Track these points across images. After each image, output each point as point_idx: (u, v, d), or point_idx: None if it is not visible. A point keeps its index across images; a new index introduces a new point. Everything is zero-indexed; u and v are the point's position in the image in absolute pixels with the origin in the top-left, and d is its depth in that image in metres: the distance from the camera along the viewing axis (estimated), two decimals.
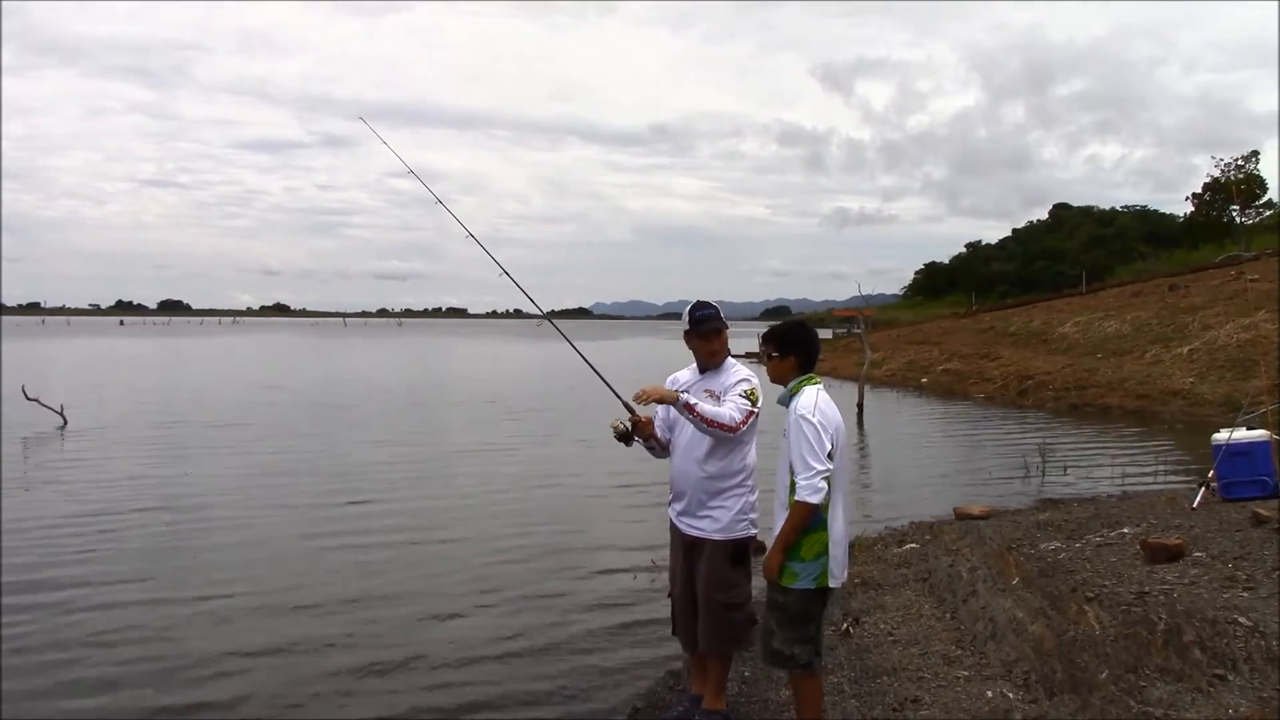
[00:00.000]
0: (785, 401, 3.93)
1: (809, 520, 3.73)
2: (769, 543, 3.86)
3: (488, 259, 5.31)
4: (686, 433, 4.27)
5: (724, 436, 4.13)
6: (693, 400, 4.10)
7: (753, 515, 4.26)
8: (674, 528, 4.41)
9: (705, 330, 4.28)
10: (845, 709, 4.53)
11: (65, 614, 6.46)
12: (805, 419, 3.75)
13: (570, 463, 13.48)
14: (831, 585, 3.83)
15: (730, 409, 4.12)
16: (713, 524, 4.22)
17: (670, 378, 4.47)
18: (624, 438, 4.39)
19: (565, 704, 5.07)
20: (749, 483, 4.26)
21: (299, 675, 5.45)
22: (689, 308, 4.34)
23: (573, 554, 8.36)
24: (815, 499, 3.67)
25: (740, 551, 4.24)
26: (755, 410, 4.17)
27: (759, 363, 4.14)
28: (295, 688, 5.26)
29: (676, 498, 4.37)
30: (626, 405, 4.35)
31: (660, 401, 4.13)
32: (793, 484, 3.75)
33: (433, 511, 10.23)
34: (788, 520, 3.76)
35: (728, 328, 4.34)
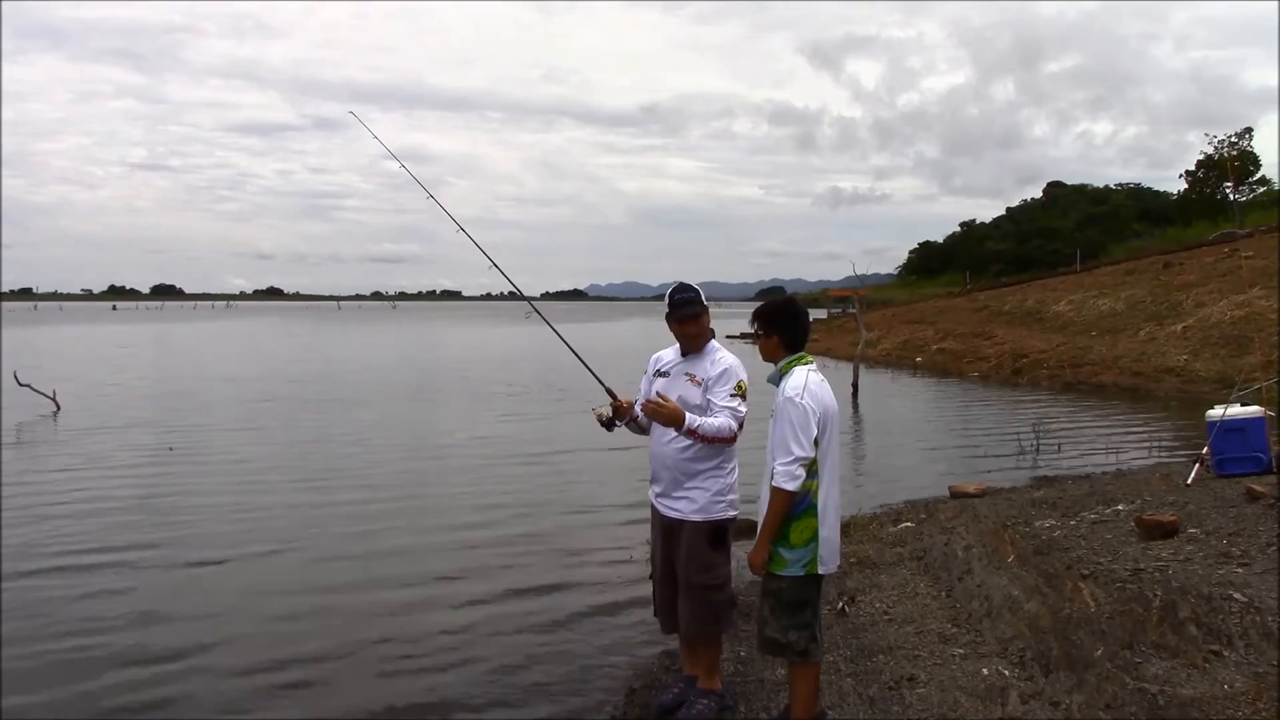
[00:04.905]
0: (775, 381, 3.86)
1: (789, 506, 3.65)
2: (759, 520, 3.80)
3: (484, 243, 5.25)
4: None
5: (728, 448, 4.16)
6: (695, 424, 4.06)
7: (732, 496, 4.23)
8: (654, 509, 4.37)
9: (683, 315, 4.21)
10: (841, 687, 4.53)
11: (54, 596, 6.43)
12: (792, 401, 3.67)
13: (568, 443, 13.44)
14: (821, 572, 3.77)
15: (726, 418, 4.09)
16: (690, 505, 4.18)
17: (654, 357, 4.42)
18: (607, 424, 4.39)
19: (561, 684, 5.06)
20: (728, 464, 4.22)
21: (300, 661, 5.44)
22: (669, 291, 4.29)
23: (568, 534, 8.35)
24: (791, 485, 3.60)
25: (719, 533, 4.20)
26: (744, 404, 4.17)
27: (754, 342, 4.09)
28: (294, 675, 5.25)
29: (655, 479, 4.33)
30: (608, 390, 4.36)
31: (668, 424, 4.09)
32: None
33: (429, 492, 10.22)
34: (768, 509, 3.68)
35: (708, 310, 4.27)
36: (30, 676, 5.12)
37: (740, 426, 4.13)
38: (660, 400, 4.10)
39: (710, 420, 4.08)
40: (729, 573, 4.27)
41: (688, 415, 4.07)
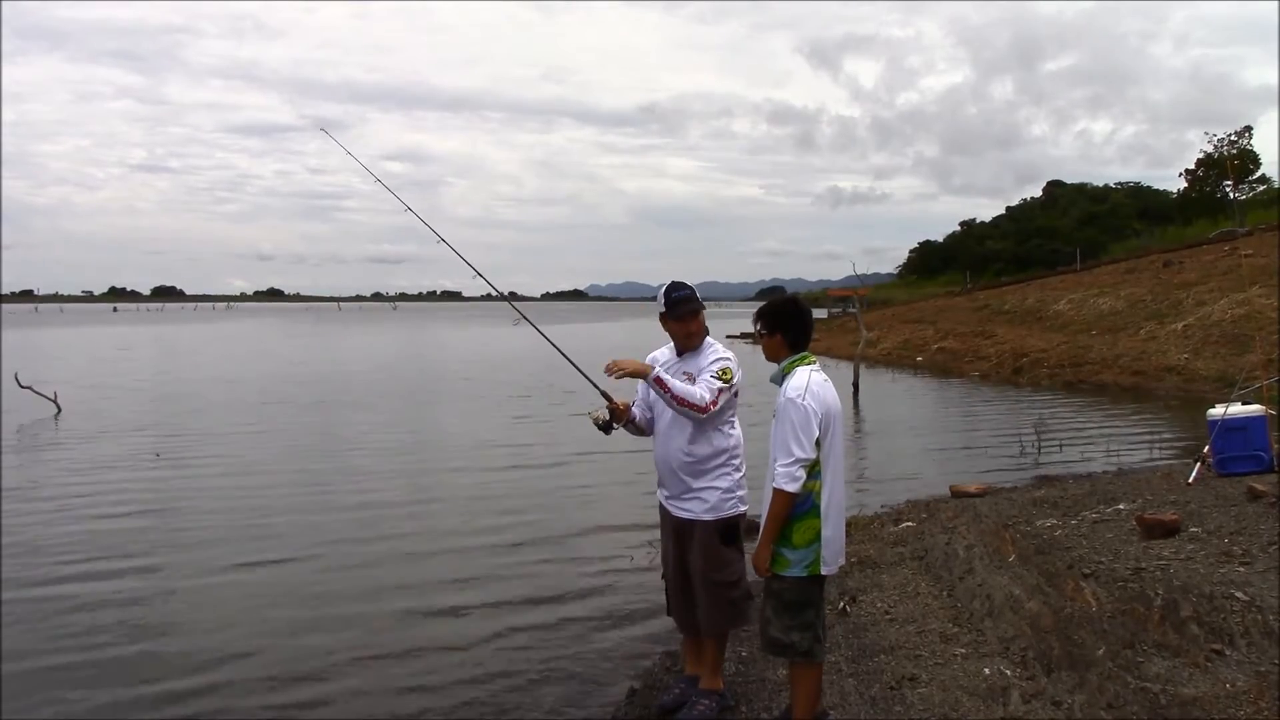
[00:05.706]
0: (778, 381, 3.84)
1: (790, 508, 3.64)
2: (762, 520, 3.79)
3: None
4: (667, 415, 4.20)
5: (695, 417, 4.04)
6: (665, 376, 4.02)
7: (741, 492, 4.21)
8: (663, 510, 4.35)
9: (682, 312, 4.17)
10: (843, 687, 4.53)
11: (59, 609, 6.44)
12: (793, 402, 3.65)
13: (569, 446, 13.44)
14: (824, 572, 3.76)
15: (702, 389, 4.03)
16: (701, 505, 4.16)
17: (650, 356, 4.34)
18: (604, 427, 4.33)
19: (562, 685, 5.06)
20: (734, 460, 4.20)
21: (297, 667, 5.45)
22: (664, 289, 4.23)
23: (568, 536, 8.35)
24: (791, 487, 3.59)
25: (731, 530, 4.19)
26: (726, 387, 4.08)
27: (755, 342, 4.07)
28: (294, 679, 5.26)
29: (663, 482, 4.30)
30: (603, 393, 4.31)
31: (633, 375, 4.04)
32: None
33: (431, 497, 10.23)
34: (769, 510, 3.67)
35: (704, 308, 4.25)
36: (34, 694, 5.03)
37: (715, 400, 4.01)
38: (618, 363, 4.01)
39: (685, 385, 4.04)
40: (744, 568, 4.23)
41: (656, 368, 4.06)
